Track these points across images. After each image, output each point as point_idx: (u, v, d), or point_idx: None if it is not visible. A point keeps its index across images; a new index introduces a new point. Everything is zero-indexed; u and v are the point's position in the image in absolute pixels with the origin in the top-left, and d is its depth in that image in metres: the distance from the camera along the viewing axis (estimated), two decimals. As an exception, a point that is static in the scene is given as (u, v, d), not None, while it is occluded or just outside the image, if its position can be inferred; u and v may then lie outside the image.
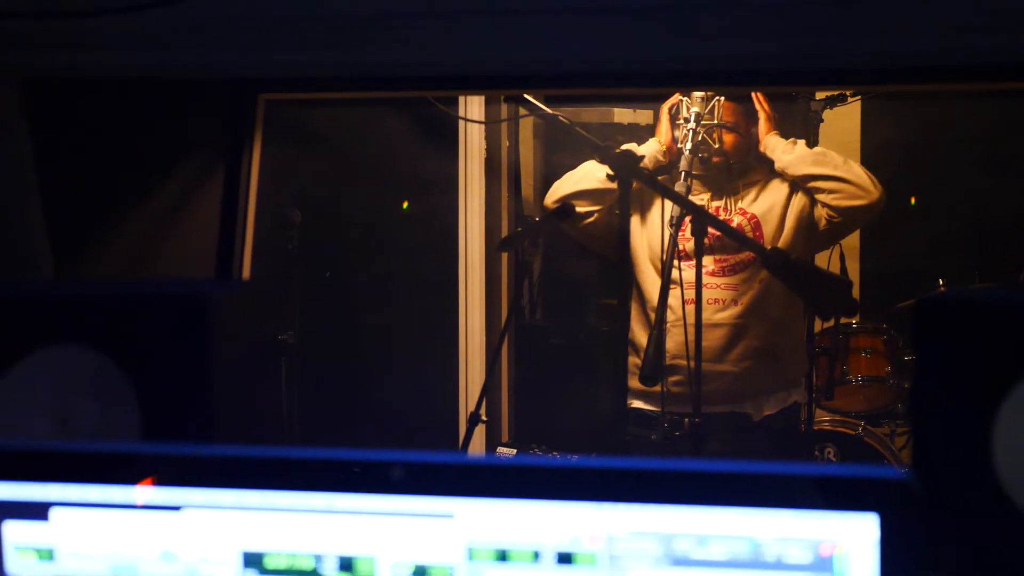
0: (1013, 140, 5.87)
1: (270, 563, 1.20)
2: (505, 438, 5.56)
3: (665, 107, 4.35)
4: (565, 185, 4.35)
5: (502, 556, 1.16)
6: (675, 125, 4.29)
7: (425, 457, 1.17)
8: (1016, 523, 1.42)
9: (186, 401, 1.58)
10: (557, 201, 4.30)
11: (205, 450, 1.22)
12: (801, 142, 4.29)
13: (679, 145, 4.14)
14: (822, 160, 4.22)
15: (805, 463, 1.12)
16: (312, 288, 4.95)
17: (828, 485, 1.10)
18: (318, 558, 1.20)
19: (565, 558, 1.15)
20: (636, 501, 1.13)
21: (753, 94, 4.28)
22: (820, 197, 4.21)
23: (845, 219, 4.26)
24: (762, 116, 4.32)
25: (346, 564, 1.19)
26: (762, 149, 4.32)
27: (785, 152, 4.26)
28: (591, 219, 4.29)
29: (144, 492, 1.21)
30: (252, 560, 1.21)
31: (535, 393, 5.89)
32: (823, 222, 4.24)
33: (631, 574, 1.15)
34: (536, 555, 1.16)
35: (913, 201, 6.15)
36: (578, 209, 4.20)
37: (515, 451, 4.50)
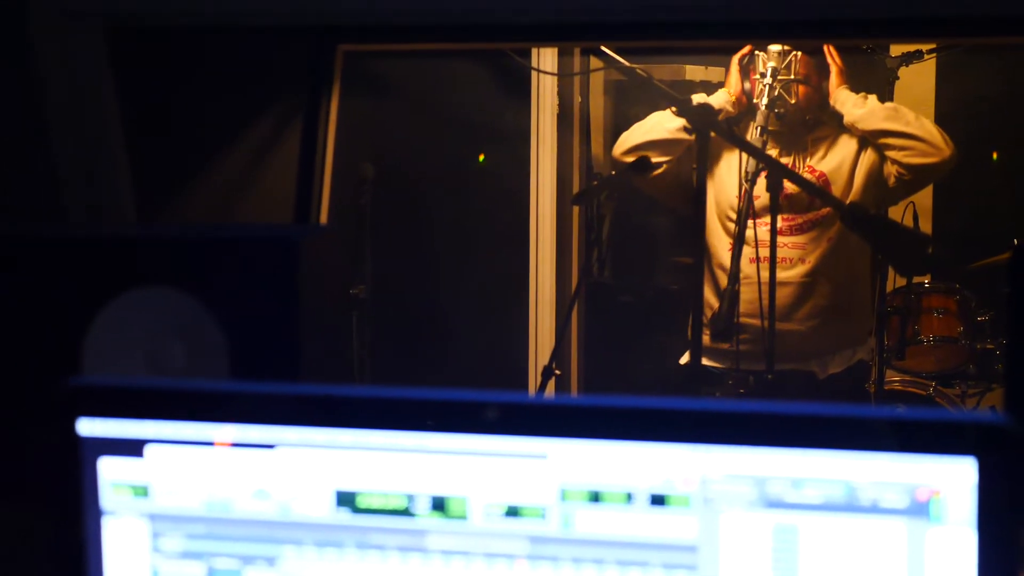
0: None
1: (362, 502, 1.21)
2: (574, 393, 5.56)
3: (736, 58, 4.31)
4: (635, 135, 4.33)
5: (595, 497, 1.17)
6: (745, 77, 4.26)
7: (519, 398, 1.17)
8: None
9: (272, 343, 1.59)
10: (627, 152, 4.28)
11: (299, 389, 1.23)
12: (872, 97, 4.25)
13: (755, 100, 4.11)
14: (894, 116, 4.18)
15: (904, 408, 1.12)
16: (384, 242, 4.96)
17: (925, 429, 1.09)
18: (410, 497, 1.20)
19: (658, 500, 1.15)
20: (730, 443, 1.13)
21: (825, 47, 4.24)
22: (890, 154, 4.17)
23: (915, 176, 4.22)
24: (833, 69, 4.26)
25: (439, 504, 1.20)
26: (832, 103, 4.27)
27: (856, 106, 4.22)
28: (660, 170, 4.27)
29: (238, 430, 1.22)
30: (345, 499, 1.22)
31: (605, 348, 5.89)
32: (892, 179, 4.21)
33: (724, 516, 1.14)
34: (629, 497, 1.16)
35: (996, 156, 6.08)
36: (649, 160, 4.18)
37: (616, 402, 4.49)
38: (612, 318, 5.96)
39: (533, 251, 5.50)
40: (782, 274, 4.16)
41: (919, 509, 1.10)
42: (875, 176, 4.22)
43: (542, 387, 4.22)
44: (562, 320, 5.03)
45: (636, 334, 5.85)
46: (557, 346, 4.28)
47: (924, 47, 5.02)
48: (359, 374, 4.59)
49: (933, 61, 5.63)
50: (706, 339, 4.01)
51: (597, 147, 5.88)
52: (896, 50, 5.04)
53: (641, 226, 5.87)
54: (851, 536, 1.12)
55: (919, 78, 5.70)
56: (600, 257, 5.94)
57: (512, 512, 1.18)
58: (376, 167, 4.73)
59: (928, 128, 4.17)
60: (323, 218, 3.13)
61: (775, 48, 4.15)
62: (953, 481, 1.09)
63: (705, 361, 4.20)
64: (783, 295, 4.16)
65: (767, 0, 2.82)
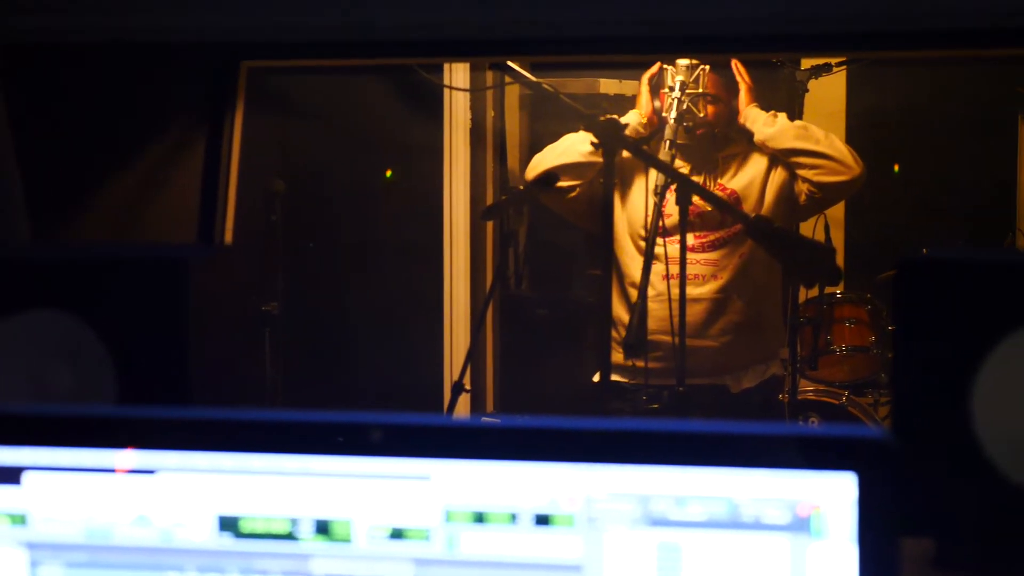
0: (998, 107, 5.88)
1: (246, 527, 1.20)
2: (490, 408, 5.55)
3: (645, 77, 4.32)
4: (548, 158, 4.32)
5: (479, 518, 1.16)
6: (656, 95, 4.27)
7: (401, 419, 1.16)
8: (993, 483, 1.42)
9: (162, 366, 1.57)
10: (539, 175, 4.28)
11: (179, 413, 1.21)
12: (782, 115, 4.27)
13: (663, 114, 4.12)
14: (803, 135, 4.20)
15: (784, 424, 1.12)
16: (296, 258, 4.93)
17: (806, 445, 1.09)
18: (294, 521, 1.19)
19: (543, 520, 1.15)
20: (613, 462, 1.12)
21: (733, 64, 4.25)
22: (801, 172, 4.19)
23: (826, 194, 4.25)
24: (743, 87, 4.27)
25: (322, 527, 1.18)
26: (742, 121, 4.28)
27: (766, 124, 4.23)
28: (573, 193, 4.27)
29: (118, 456, 1.20)
30: (227, 524, 1.20)
31: (520, 364, 5.89)
32: (803, 196, 4.23)
33: (609, 535, 1.14)
34: (513, 517, 1.15)
35: (896, 169, 6.15)
36: (560, 183, 4.18)
37: (499, 421, 4.49)
38: (529, 332, 5.96)
39: (447, 267, 5.49)
40: (694, 290, 4.16)
41: (800, 524, 1.10)
42: (786, 193, 4.25)
43: (452, 404, 4.21)
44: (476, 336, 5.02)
45: (553, 348, 5.85)
46: (466, 362, 4.26)
47: (833, 60, 5.07)
48: (271, 392, 4.56)
49: (843, 74, 5.67)
50: (620, 356, 4.02)
51: (513, 161, 5.88)
52: (806, 63, 5.08)
53: (558, 239, 5.87)
54: (734, 552, 1.12)
55: (829, 90, 5.75)
56: (517, 271, 5.94)
57: (396, 534, 1.17)
58: (288, 182, 4.71)
59: (838, 146, 4.20)
60: (228, 235, 3.11)
61: (683, 62, 4.16)
62: (834, 496, 1.09)
63: (618, 377, 4.20)
64: (696, 311, 4.16)
65: (677, 16, 2.84)
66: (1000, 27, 2.80)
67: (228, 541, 1.20)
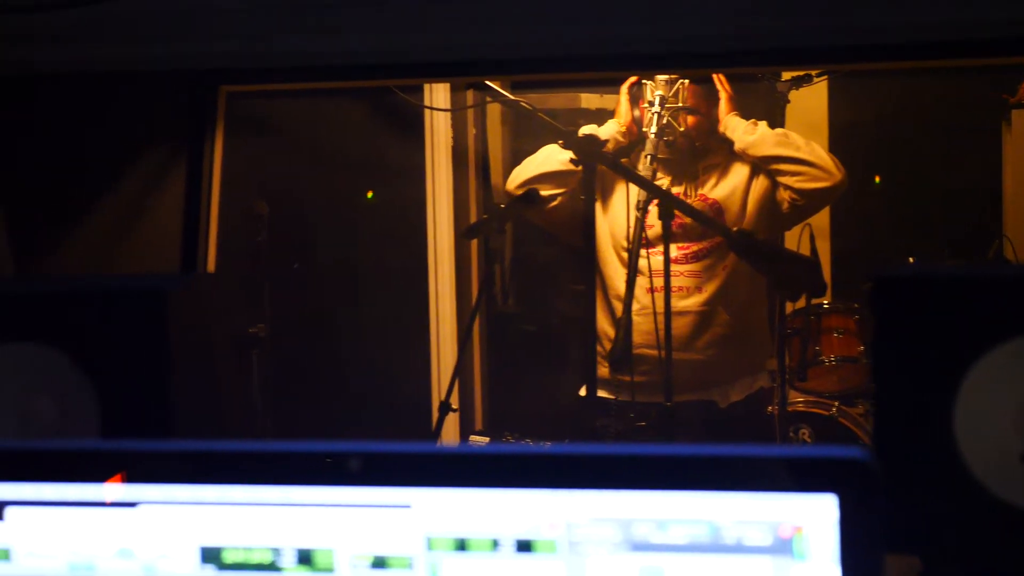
0: (983, 114, 5.88)
1: (228, 557, 1.19)
2: (479, 426, 5.54)
3: (624, 87, 4.32)
4: (527, 169, 4.33)
5: (461, 546, 1.15)
6: (635, 106, 4.26)
7: (380, 447, 1.16)
8: (975, 501, 1.42)
9: (143, 396, 1.56)
10: (520, 186, 4.27)
11: (159, 445, 1.21)
12: (763, 123, 4.28)
13: (644, 128, 4.12)
14: (784, 142, 4.21)
15: (764, 444, 1.12)
16: (282, 280, 4.93)
17: (787, 466, 1.09)
18: (276, 551, 1.18)
19: (524, 546, 1.14)
20: (594, 487, 1.12)
21: (714, 75, 4.26)
22: (782, 180, 4.20)
23: (808, 202, 4.24)
24: (723, 96, 4.29)
25: (304, 557, 1.18)
26: (722, 130, 4.29)
27: (747, 133, 4.24)
28: (554, 203, 4.27)
29: (99, 489, 1.20)
30: (210, 555, 1.20)
31: (508, 381, 5.88)
32: (785, 204, 4.23)
33: (591, 560, 1.14)
34: (495, 544, 1.15)
35: (878, 180, 6.16)
36: (542, 192, 4.18)
37: (488, 439, 4.48)
38: (516, 349, 5.95)
39: (432, 286, 5.49)
40: (679, 303, 4.15)
41: (783, 547, 1.10)
42: (768, 202, 4.25)
43: (439, 423, 4.20)
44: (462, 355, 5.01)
45: (541, 365, 5.84)
46: (452, 381, 4.24)
47: (813, 71, 5.08)
48: (259, 414, 4.55)
49: (824, 84, 5.68)
50: (605, 371, 4.01)
51: (497, 178, 5.88)
52: (786, 75, 5.09)
53: (544, 255, 5.87)
54: (716, 575, 1.11)
55: (810, 102, 5.76)
56: (504, 288, 5.93)
57: (379, 563, 1.17)
58: (272, 205, 4.70)
59: (819, 153, 4.20)
60: (212, 258, 3.10)
61: (663, 77, 4.16)
62: (815, 517, 1.09)
63: (605, 394, 4.19)
64: (681, 325, 4.16)
65: (655, 33, 2.84)
66: (982, 38, 2.80)
67: (211, 572, 1.20)
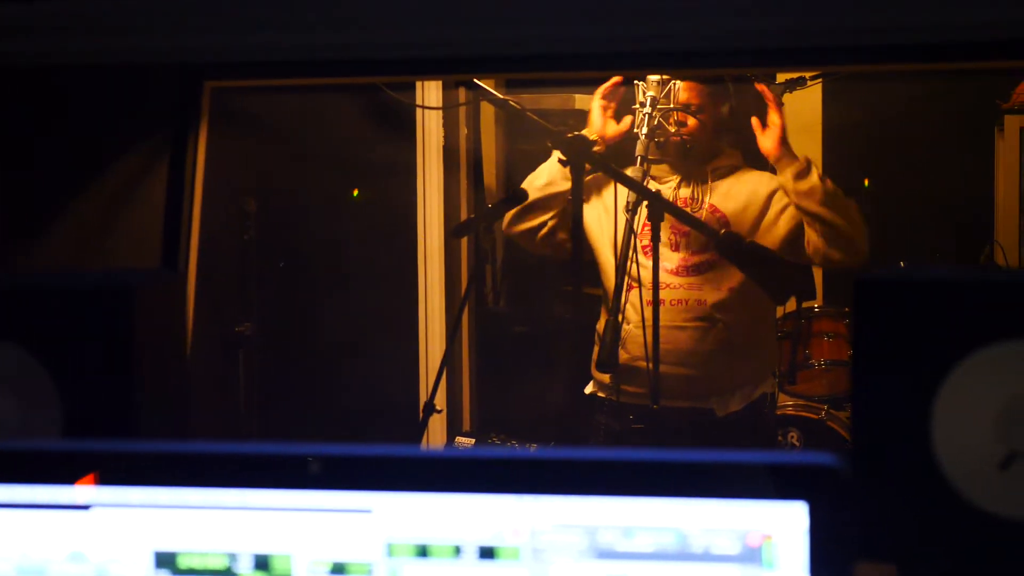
0: (975, 119, 5.87)
1: (183, 563, 1.16)
2: (466, 428, 5.51)
3: (597, 93, 4.13)
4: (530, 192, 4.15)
5: (422, 552, 1.13)
6: (617, 111, 4.11)
7: (341, 450, 1.13)
8: (953, 508, 1.39)
9: (108, 396, 1.53)
10: (514, 234, 4.22)
11: (113, 446, 1.18)
12: (815, 169, 3.97)
13: (635, 130, 4.00)
14: (835, 204, 3.91)
15: (735, 451, 1.09)
16: (269, 278, 4.90)
17: (756, 473, 1.06)
18: (232, 557, 1.15)
19: (487, 552, 1.12)
20: (559, 492, 1.09)
21: (757, 85, 4.09)
22: (811, 234, 3.94)
23: (820, 263, 4.03)
24: (774, 121, 4.01)
25: (261, 562, 1.15)
26: (768, 156, 4.01)
27: (799, 179, 3.93)
28: (543, 232, 4.14)
29: (51, 491, 1.17)
30: (164, 560, 1.17)
31: (498, 382, 5.85)
32: (810, 248, 3.97)
33: (555, 567, 1.11)
34: (457, 550, 1.12)
35: (867, 183, 6.13)
36: (531, 222, 4.09)
37: (473, 441, 4.45)
38: (505, 350, 5.92)
39: (422, 285, 5.46)
40: (680, 317, 4.00)
41: (751, 555, 1.07)
42: (795, 236, 4.01)
43: (424, 424, 4.16)
44: (451, 355, 4.99)
45: (529, 366, 5.81)
46: (437, 382, 4.19)
47: (807, 74, 5.05)
48: (245, 412, 4.53)
49: (818, 87, 5.65)
50: (606, 377, 3.98)
51: (489, 178, 5.85)
52: (780, 77, 5.06)
53: (533, 258, 5.84)
54: (684, 585, 1.09)
55: (804, 104, 5.73)
56: (495, 288, 5.91)
57: (338, 569, 1.14)
58: (260, 202, 4.68)
59: (858, 225, 3.95)
60: (193, 255, 3.07)
61: (654, 77, 4.04)
62: (785, 525, 1.06)
63: (603, 394, 4.12)
64: (682, 339, 3.99)
65: (650, 32, 2.82)
66: (976, 41, 2.78)
67: (165, 578, 1.17)
